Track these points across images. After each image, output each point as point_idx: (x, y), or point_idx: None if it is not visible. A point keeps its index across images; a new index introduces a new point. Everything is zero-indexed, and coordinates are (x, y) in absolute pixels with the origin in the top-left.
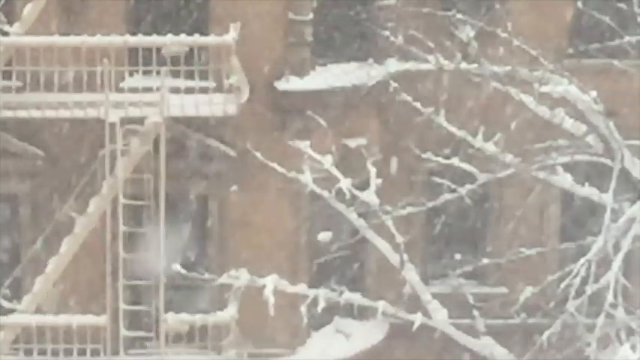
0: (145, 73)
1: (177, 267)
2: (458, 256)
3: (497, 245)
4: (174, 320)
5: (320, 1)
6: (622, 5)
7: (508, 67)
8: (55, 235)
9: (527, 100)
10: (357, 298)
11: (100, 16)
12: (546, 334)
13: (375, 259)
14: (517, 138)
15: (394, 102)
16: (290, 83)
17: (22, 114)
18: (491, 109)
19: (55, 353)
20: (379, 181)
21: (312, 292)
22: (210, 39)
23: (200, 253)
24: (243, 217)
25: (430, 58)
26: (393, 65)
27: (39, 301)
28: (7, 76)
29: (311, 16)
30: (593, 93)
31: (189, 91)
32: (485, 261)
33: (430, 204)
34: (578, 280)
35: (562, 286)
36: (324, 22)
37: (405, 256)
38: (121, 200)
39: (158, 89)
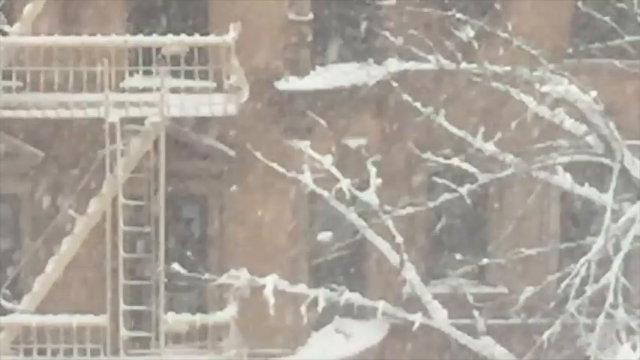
0: (145, 73)
1: (177, 267)
2: (458, 256)
3: (497, 245)
4: (174, 320)
5: (320, 1)
6: (622, 5)
7: (508, 67)
8: (55, 235)
9: (527, 100)
10: (357, 298)
11: (100, 16)
12: (546, 334)
13: (375, 259)
14: (517, 138)
15: (394, 102)
16: (290, 83)
17: (22, 114)
18: (492, 109)
19: (55, 353)
20: (379, 181)
21: (312, 292)
22: (210, 39)
23: (200, 253)
24: (243, 218)
25: (430, 58)
26: (393, 65)
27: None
28: (7, 76)
29: (311, 16)
30: (593, 93)
31: (189, 91)
32: (485, 261)
33: (430, 204)
34: (578, 280)
35: (562, 286)
36: (324, 22)
37: (405, 256)
38: (121, 200)
39: (158, 89)
